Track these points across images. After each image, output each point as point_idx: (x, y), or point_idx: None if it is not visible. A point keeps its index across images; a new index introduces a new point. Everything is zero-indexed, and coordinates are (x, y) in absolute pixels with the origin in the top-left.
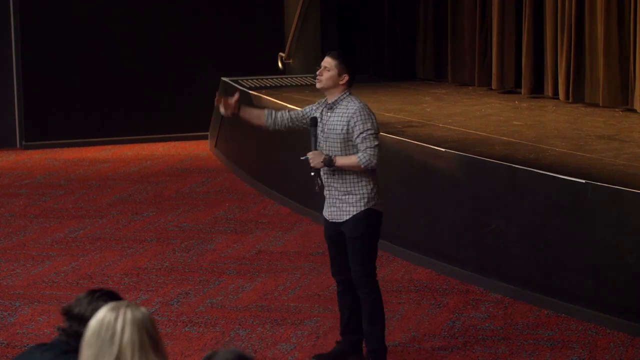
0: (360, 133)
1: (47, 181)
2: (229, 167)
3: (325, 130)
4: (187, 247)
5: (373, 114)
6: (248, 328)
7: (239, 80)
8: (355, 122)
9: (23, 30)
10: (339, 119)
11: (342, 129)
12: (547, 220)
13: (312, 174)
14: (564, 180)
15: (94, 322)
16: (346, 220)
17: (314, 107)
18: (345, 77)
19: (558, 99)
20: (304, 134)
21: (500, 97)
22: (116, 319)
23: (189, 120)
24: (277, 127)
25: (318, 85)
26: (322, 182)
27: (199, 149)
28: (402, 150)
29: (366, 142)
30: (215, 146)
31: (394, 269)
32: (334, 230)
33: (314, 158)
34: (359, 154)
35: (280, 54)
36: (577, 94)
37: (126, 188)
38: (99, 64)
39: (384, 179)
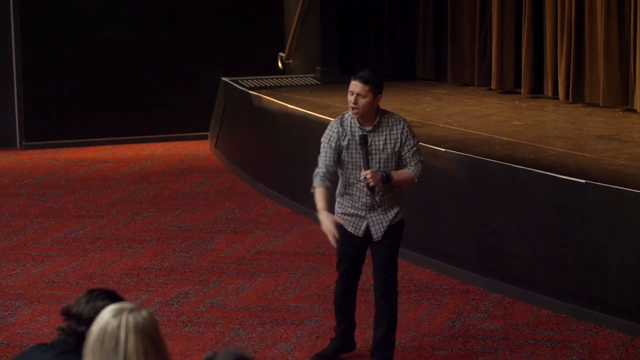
0: (412, 147)
1: (47, 181)
2: (229, 167)
3: (374, 150)
4: (187, 247)
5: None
6: (248, 328)
7: (239, 80)
8: (406, 137)
9: (23, 30)
10: (389, 137)
11: (394, 146)
12: (547, 220)
13: (368, 193)
14: (564, 180)
15: (96, 328)
16: (388, 231)
17: (338, 133)
18: (379, 97)
19: (558, 99)
20: (305, 134)
21: (500, 97)
22: (119, 327)
23: (189, 120)
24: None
25: (355, 115)
26: (376, 200)
27: (199, 149)
28: None
29: (416, 156)
30: (215, 146)
31: None
32: (362, 245)
33: (373, 177)
34: (412, 168)
35: (280, 54)
36: (577, 94)
37: (126, 188)
38: (99, 64)
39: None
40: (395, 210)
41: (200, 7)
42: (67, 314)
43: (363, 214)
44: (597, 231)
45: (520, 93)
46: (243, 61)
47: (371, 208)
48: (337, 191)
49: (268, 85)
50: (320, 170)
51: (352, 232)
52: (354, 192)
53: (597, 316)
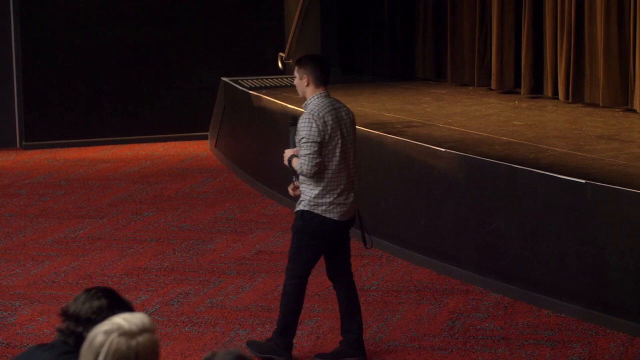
0: (300, 140)
1: (47, 181)
2: (229, 167)
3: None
4: (187, 247)
5: (318, 121)
6: (248, 328)
7: (239, 80)
8: (299, 128)
9: (23, 30)
10: (301, 122)
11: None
12: (547, 220)
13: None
14: (564, 180)
15: (90, 337)
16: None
17: None
18: (306, 79)
19: (558, 99)
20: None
21: (500, 97)
22: (102, 345)
23: (189, 120)
24: None
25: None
26: (294, 180)
27: (199, 149)
28: (402, 150)
29: (302, 150)
30: (215, 146)
31: (394, 269)
32: None
33: (284, 155)
34: (298, 161)
35: (280, 54)
36: (577, 94)
37: (126, 188)
38: (99, 64)
39: (384, 179)
40: (301, 198)
41: (200, 8)
42: (65, 314)
43: None
44: (597, 231)
45: (520, 93)
46: (243, 61)
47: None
48: None
49: (268, 85)
50: None
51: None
52: None
53: (597, 316)
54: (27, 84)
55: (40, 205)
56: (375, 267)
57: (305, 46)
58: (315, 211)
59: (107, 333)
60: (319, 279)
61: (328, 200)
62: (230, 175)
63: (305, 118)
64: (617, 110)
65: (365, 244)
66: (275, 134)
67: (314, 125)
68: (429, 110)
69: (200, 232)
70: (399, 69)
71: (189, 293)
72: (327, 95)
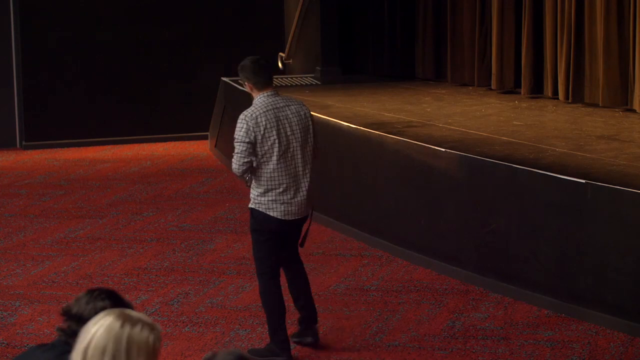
0: (234, 139)
1: (47, 181)
2: (229, 167)
3: None
4: (187, 247)
5: (249, 122)
6: (248, 328)
7: (239, 80)
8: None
9: (23, 30)
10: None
11: None
12: (547, 220)
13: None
14: (564, 180)
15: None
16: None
17: None
18: (247, 86)
19: (558, 99)
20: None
21: (500, 97)
22: (96, 322)
23: (189, 120)
24: None
25: None
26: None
27: (199, 149)
28: (402, 150)
29: (235, 148)
30: (215, 146)
31: (394, 269)
32: None
33: None
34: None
35: (280, 54)
36: (577, 94)
37: (126, 188)
38: (99, 64)
39: (384, 179)
40: (250, 196)
41: (200, 8)
42: (67, 314)
43: None
44: (597, 231)
45: (520, 93)
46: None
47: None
48: None
49: None
50: None
51: None
52: None
53: (597, 316)
54: (27, 84)
55: (40, 205)
56: (375, 267)
57: (305, 46)
58: (260, 209)
59: (108, 312)
60: (318, 279)
61: (269, 198)
62: (230, 175)
63: (240, 118)
64: (617, 110)
65: (301, 244)
66: None
67: (245, 126)
68: (429, 110)
69: (200, 232)
70: (399, 69)
71: (189, 293)
72: (272, 95)
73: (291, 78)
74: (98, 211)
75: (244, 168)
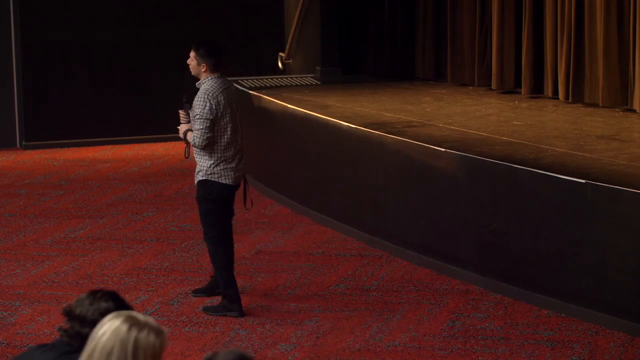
0: (194, 116)
1: (47, 181)
2: None
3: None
4: (187, 247)
5: (211, 100)
6: (248, 328)
7: (239, 80)
8: (193, 105)
9: (23, 30)
10: (196, 100)
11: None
12: (547, 220)
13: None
14: (564, 180)
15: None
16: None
17: None
18: (204, 66)
19: (558, 99)
20: (305, 134)
21: (500, 97)
22: (103, 325)
23: None
24: None
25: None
26: (187, 150)
27: None
28: (402, 150)
29: (195, 124)
30: None
31: (394, 269)
32: None
33: (180, 129)
34: (192, 134)
35: (280, 54)
36: (577, 94)
37: (126, 188)
38: (99, 64)
39: (384, 179)
40: (198, 168)
41: (200, 7)
42: (69, 315)
43: None
44: (597, 231)
45: (520, 93)
46: (243, 61)
47: (188, 157)
48: None
49: (268, 85)
50: None
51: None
52: None
53: (597, 316)
54: (27, 84)
55: (40, 205)
56: (375, 267)
57: (305, 46)
58: (212, 179)
59: (116, 315)
60: (318, 279)
61: (221, 168)
62: None
63: (201, 97)
64: (617, 110)
65: (245, 205)
66: (276, 133)
67: (208, 104)
68: (429, 110)
69: (200, 232)
70: (399, 69)
71: (189, 293)
72: (221, 76)
73: (291, 78)
74: (98, 211)
75: (207, 142)
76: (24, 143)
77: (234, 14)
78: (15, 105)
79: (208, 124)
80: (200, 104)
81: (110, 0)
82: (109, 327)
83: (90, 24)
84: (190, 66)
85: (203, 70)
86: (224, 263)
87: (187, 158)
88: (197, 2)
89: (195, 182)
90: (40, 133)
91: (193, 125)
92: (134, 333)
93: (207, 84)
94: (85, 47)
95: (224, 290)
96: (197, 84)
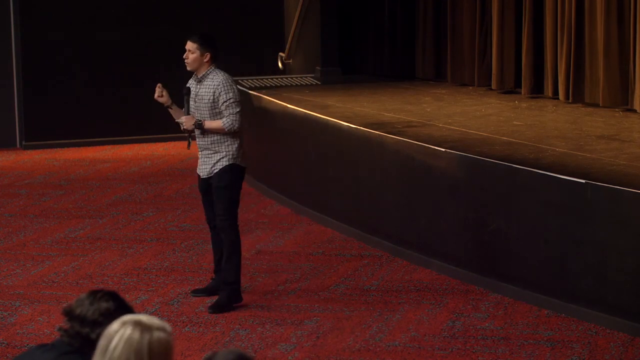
0: (224, 102)
1: (47, 181)
2: None
3: (196, 100)
4: (187, 247)
5: (235, 85)
6: (248, 328)
7: (239, 80)
8: (220, 92)
9: (23, 30)
10: (207, 90)
11: (209, 98)
12: (547, 220)
13: (186, 134)
14: (564, 180)
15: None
16: (214, 174)
17: (190, 81)
18: (207, 55)
19: (558, 99)
20: (305, 134)
21: (500, 97)
22: (115, 333)
23: None
24: None
25: (188, 68)
26: (190, 142)
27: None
28: (402, 150)
29: (229, 109)
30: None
31: (394, 269)
32: (206, 185)
33: (186, 121)
34: (224, 119)
35: (280, 54)
36: (577, 94)
37: (126, 188)
38: (99, 64)
39: (384, 179)
40: (219, 156)
41: (200, 7)
42: (69, 315)
43: (199, 155)
44: (597, 231)
45: (520, 93)
46: (243, 61)
47: (200, 149)
48: None
49: (268, 85)
50: None
51: (198, 173)
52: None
53: (597, 316)
54: (27, 84)
55: (40, 205)
56: (375, 267)
57: (305, 46)
58: (237, 162)
59: (123, 323)
60: (318, 279)
61: (242, 151)
62: None
63: (225, 83)
64: (617, 110)
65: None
66: (276, 133)
67: (235, 88)
68: (429, 110)
69: (200, 232)
70: (399, 69)
71: (189, 293)
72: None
73: (291, 78)
74: (98, 211)
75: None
76: (24, 143)
77: (234, 14)
78: (15, 105)
79: (241, 107)
80: (228, 89)
81: (110, 0)
82: (120, 338)
83: (90, 24)
84: (189, 59)
85: (205, 60)
86: (240, 250)
87: (188, 149)
88: (197, 2)
89: (212, 171)
90: (40, 133)
91: (227, 110)
92: (146, 338)
93: (218, 72)
94: (85, 47)
95: (237, 277)
96: (200, 75)
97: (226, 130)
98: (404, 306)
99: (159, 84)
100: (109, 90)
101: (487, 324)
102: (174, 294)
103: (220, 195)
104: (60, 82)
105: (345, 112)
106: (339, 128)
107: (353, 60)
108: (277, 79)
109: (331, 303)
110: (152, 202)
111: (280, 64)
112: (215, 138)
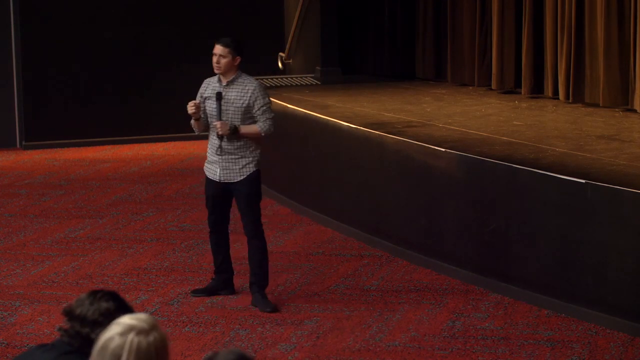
0: (261, 107)
1: (47, 181)
2: None
3: (224, 104)
4: (187, 247)
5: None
6: (248, 328)
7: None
8: (256, 97)
9: (23, 30)
10: (238, 94)
11: (242, 103)
12: (547, 220)
13: (217, 139)
14: (564, 180)
15: (102, 340)
16: (240, 180)
17: (201, 89)
18: (238, 59)
19: (558, 99)
20: (305, 134)
21: (500, 97)
22: (123, 347)
23: (189, 120)
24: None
25: (218, 72)
26: (222, 148)
27: (199, 149)
28: (402, 150)
29: (266, 114)
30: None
31: (394, 269)
32: (221, 189)
33: (222, 126)
34: (260, 124)
35: (280, 54)
36: (577, 94)
37: (126, 188)
38: (99, 64)
39: (384, 179)
40: (245, 161)
41: (200, 7)
42: (69, 315)
43: (216, 159)
44: (597, 231)
45: (520, 93)
46: (243, 61)
47: (221, 154)
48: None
49: (268, 85)
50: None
51: (211, 178)
52: (211, 139)
53: (597, 316)
54: (27, 84)
55: (40, 205)
56: (375, 267)
57: (305, 46)
58: (259, 168)
59: (123, 334)
60: (318, 279)
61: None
62: None
63: (261, 88)
64: (617, 110)
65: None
66: (276, 133)
67: (267, 92)
68: (429, 110)
69: (200, 232)
70: (399, 69)
71: (189, 293)
72: None
73: (291, 78)
74: (98, 211)
75: None
76: (24, 143)
77: (234, 14)
78: (15, 105)
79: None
80: (264, 94)
81: (110, 0)
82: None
83: (90, 24)
84: (221, 63)
85: (235, 64)
86: (267, 255)
87: (219, 153)
88: (197, 2)
89: (238, 176)
90: (40, 133)
91: (263, 115)
92: (150, 340)
93: (247, 76)
94: (85, 47)
95: (267, 281)
96: (228, 80)
97: (263, 134)
98: (404, 306)
99: (195, 103)
100: (109, 90)
101: (487, 324)
102: (174, 294)
103: (251, 202)
104: (60, 82)
105: (345, 112)
106: (339, 128)
107: (353, 60)
108: (277, 79)
109: (331, 303)
110: (152, 202)
111: (280, 64)
112: (242, 143)
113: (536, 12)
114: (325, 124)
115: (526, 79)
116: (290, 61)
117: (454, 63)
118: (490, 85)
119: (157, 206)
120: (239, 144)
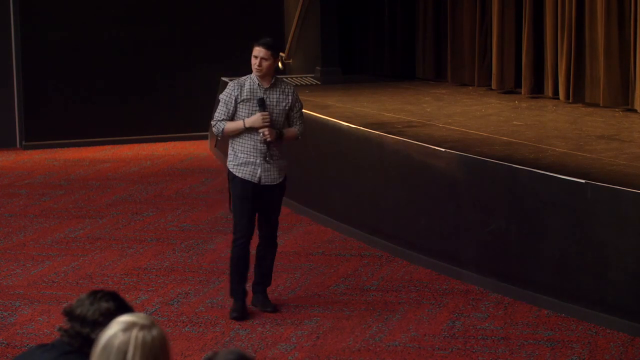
0: (299, 110)
1: (47, 181)
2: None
3: (268, 108)
4: (187, 247)
5: None
6: (248, 328)
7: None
8: (295, 100)
9: (23, 30)
10: (281, 96)
11: (286, 105)
12: (547, 220)
13: (265, 145)
14: (564, 180)
15: (104, 339)
16: (280, 182)
17: (235, 93)
18: (277, 59)
19: (558, 99)
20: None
21: (500, 97)
22: (128, 342)
23: (189, 120)
24: None
25: (259, 74)
26: (269, 155)
27: (199, 149)
28: (402, 150)
29: (302, 117)
30: (215, 146)
31: (394, 269)
32: (259, 191)
33: (270, 133)
34: (297, 127)
35: (281, 54)
36: (577, 94)
37: (126, 188)
38: (99, 64)
39: (384, 179)
40: (284, 163)
41: (200, 7)
42: (69, 315)
43: (258, 161)
44: (597, 231)
45: (520, 93)
46: (243, 61)
47: (264, 158)
48: (230, 146)
49: None
50: (220, 119)
51: (249, 179)
52: (249, 143)
53: (597, 316)
54: (27, 84)
55: (40, 205)
56: (375, 267)
57: (305, 46)
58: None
59: (127, 330)
60: (318, 279)
61: None
62: None
63: (296, 90)
64: (617, 110)
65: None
66: None
67: None
68: (429, 110)
69: (200, 232)
70: (399, 69)
71: (189, 293)
72: None
73: (291, 78)
74: (98, 211)
75: None
76: (24, 143)
77: (234, 14)
78: (15, 105)
79: None
80: (299, 97)
81: (110, 0)
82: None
83: (90, 24)
84: (263, 66)
85: (274, 64)
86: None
87: (269, 160)
88: (197, 2)
89: (281, 179)
90: (40, 133)
91: (300, 118)
92: (154, 335)
93: (282, 79)
94: (85, 47)
95: (271, 282)
96: (269, 83)
97: (299, 137)
98: (404, 306)
99: (265, 114)
100: (109, 90)
101: (487, 324)
102: (174, 294)
103: (281, 204)
104: (60, 82)
105: (345, 112)
106: (339, 128)
107: (353, 60)
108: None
109: (331, 303)
110: (152, 202)
111: (280, 64)
112: (280, 146)
113: (536, 12)
114: (325, 124)
115: (526, 79)
116: (290, 61)
117: (454, 63)
118: (490, 85)
119: (157, 206)
120: (280, 147)
